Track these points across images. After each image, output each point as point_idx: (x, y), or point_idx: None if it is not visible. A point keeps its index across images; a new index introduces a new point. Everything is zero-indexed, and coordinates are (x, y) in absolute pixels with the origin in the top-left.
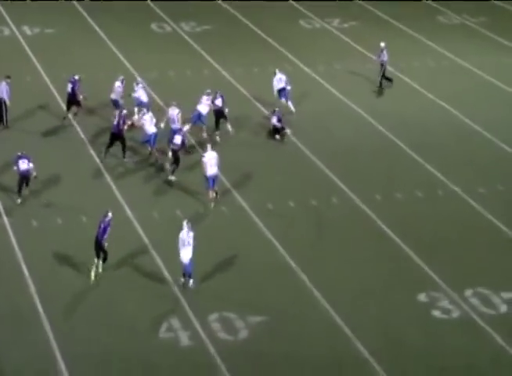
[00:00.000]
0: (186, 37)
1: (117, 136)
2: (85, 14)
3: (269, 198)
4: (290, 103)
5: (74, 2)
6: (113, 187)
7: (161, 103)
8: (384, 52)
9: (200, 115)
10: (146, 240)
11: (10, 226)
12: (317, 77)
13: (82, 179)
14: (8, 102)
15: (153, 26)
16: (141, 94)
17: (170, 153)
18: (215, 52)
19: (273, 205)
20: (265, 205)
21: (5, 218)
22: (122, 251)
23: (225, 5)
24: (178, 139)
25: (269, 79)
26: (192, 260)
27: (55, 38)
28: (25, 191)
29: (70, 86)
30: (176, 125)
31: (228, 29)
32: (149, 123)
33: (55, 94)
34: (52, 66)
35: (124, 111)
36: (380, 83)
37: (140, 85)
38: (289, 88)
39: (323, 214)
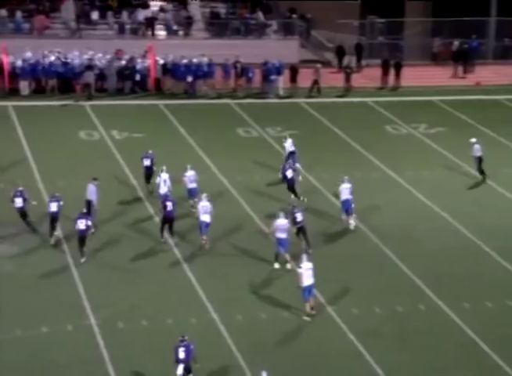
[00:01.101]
0: (272, 141)
1: (169, 219)
2: (172, 118)
3: (354, 303)
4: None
5: (162, 107)
6: (194, 283)
7: (248, 209)
8: (474, 147)
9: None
10: (236, 352)
11: (97, 327)
12: (403, 183)
13: (163, 275)
14: (96, 204)
15: (240, 130)
16: (162, 186)
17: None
18: (301, 157)
19: (358, 310)
20: (350, 310)
21: (92, 320)
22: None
23: (311, 110)
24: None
25: (356, 185)
26: None
27: (143, 142)
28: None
29: (148, 160)
30: (282, 235)
31: (314, 134)
32: (201, 212)
33: (142, 197)
34: (139, 170)
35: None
36: (483, 176)
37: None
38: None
39: (410, 321)
